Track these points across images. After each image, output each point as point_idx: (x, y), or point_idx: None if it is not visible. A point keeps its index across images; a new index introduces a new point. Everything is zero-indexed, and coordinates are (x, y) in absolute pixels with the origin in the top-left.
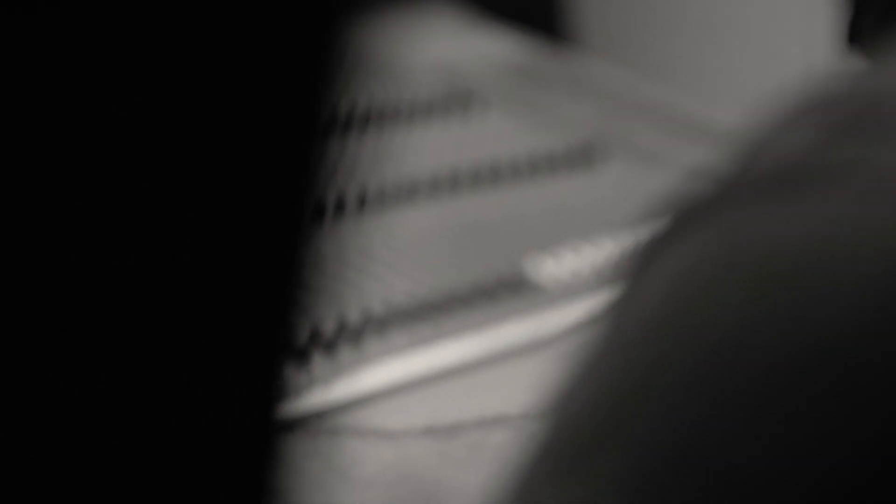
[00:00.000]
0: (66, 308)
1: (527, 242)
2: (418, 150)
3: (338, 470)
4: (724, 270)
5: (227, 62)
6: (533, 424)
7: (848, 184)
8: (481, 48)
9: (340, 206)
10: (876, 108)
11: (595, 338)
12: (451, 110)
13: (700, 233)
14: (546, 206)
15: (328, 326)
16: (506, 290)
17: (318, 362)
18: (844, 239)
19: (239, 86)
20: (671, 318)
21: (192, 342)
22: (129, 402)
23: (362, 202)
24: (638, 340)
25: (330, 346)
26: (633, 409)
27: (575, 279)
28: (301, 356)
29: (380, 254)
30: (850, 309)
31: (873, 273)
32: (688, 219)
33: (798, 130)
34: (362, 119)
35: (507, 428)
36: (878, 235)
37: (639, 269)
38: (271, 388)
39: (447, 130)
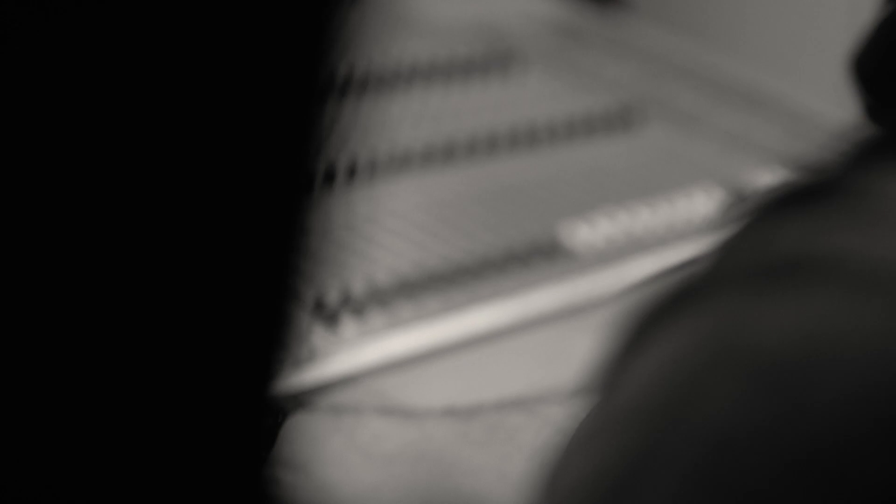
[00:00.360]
0: (80, 260)
1: (562, 207)
2: (456, 110)
3: (359, 447)
4: (719, 361)
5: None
6: (550, 407)
7: (838, 276)
8: (523, 6)
9: (375, 167)
10: (864, 200)
11: (588, 412)
12: (491, 70)
13: (696, 316)
14: (582, 170)
15: (358, 289)
16: (539, 256)
17: (348, 326)
18: (834, 336)
19: (256, 43)
20: (668, 404)
21: (195, 316)
22: (141, 375)
23: (399, 163)
24: (632, 423)
25: (360, 310)
26: (628, 494)
27: (609, 246)
28: (331, 319)
29: (414, 216)
30: (839, 408)
31: (861, 371)
32: (684, 298)
33: (789, 218)
34: (401, 78)
35: (524, 410)
36: (867, 332)
37: (634, 342)
38: (272, 362)
39: (486, 91)
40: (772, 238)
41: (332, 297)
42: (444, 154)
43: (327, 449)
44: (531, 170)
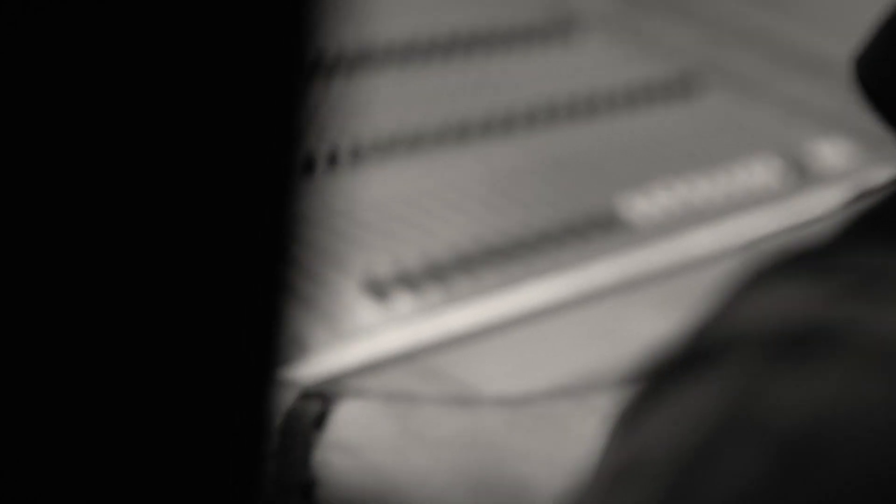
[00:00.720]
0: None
1: (620, 178)
2: (516, 79)
3: (411, 432)
4: (734, 427)
5: None
6: (599, 395)
7: (854, 349)
8: None
9: (434, 138)
10: (873, 273)
11: (609, 455)
12: (551, 36)
13: (714, 379)
14: (641, 140)
15: (414, 264)
16: (597, 229)
17: (403, 302)
18: (847, 410)
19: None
20: (682, 464)
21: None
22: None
23: (457, 133)
24: (646, 479)
25: (415, 286)
26: None
27: (667, 217)
28: (384, 295)
29: (472, 188)
30: (848, 479)
31: (872, 446)
32: (702, 357)
33: (800, 288)
34: (460, 46)
35: (574, 398)
36: (879, 407)
37: (652, 394)
38: (267, 352)
39: (546, 58)
40: (788, 304)
41: (386, 272)
42: (504, 124)
43: (379, 433)
44: (590, 140)
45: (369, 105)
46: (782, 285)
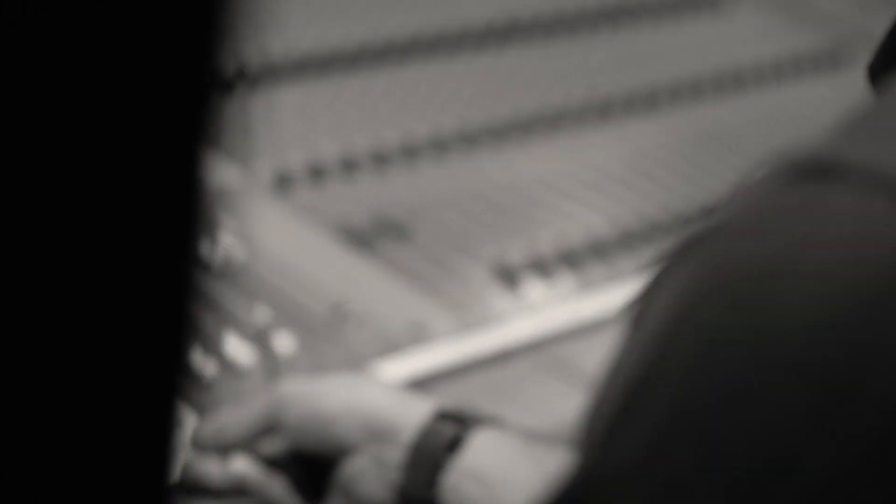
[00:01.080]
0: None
1: (762, 157)
2: (662, 52)
3: (553, 481)
4: (703, 289)
5: None
6: None
7: (800, 220)
8: None
9: (581, 115)
10: (830, 162)
11: (623, 338)
12: (701, 7)
13: (694, 261)
14: (785, 115)
15: (547, 249)
16: None
17: (535, 289)
18: (794, 269)
19: None
20: (673, 324)
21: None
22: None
23: (598, 111)
24: (649, 342)
25: (547, 272)
26: (642, 395)
27: None
28: (515, 283)
29: (611, 167)
30: (795, 313)
31: (811, 295)
32: (687, 248)
33: (776, 182)
34: (607, 17)
35: None
36: (817, 265)
37: (653, 284)
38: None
39: (694, 30)
40: (761, 196)
41: (518, 257)
42: (647, 101)
43: (517, 473)
44: (734, 115)
45: (511, 82)
46: (765, 185)
